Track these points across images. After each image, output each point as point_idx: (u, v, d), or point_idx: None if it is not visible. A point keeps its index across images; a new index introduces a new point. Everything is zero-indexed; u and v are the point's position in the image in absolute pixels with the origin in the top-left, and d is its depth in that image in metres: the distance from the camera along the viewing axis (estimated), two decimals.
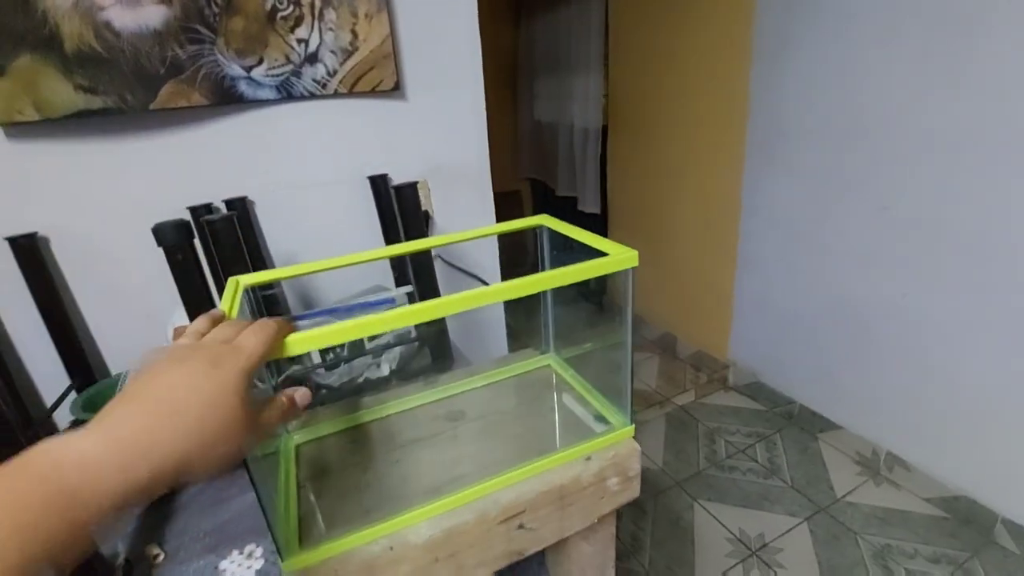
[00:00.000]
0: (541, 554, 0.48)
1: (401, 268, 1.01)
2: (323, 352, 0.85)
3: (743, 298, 1.92)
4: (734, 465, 1.65)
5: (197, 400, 0.29)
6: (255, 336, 0.34)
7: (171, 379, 0.30)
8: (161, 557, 0.61)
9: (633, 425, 0.50)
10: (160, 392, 0.30)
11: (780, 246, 1.72)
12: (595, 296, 2.52)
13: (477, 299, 0.39)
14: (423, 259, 0.91)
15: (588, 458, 0.48)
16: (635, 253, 0.43)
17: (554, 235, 0.60)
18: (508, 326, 1.20)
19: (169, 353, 0.32)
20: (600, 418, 0.53)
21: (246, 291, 0.48)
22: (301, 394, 0.37)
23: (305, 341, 0.35)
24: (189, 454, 0.28)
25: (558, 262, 0.43)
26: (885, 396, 1.52)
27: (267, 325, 0.35)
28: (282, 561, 0.40)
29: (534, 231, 0.61)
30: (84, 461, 0.26)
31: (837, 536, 1.38)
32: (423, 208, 1.01)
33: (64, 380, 0.83)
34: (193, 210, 0.85)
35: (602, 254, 0.44)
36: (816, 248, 1.61)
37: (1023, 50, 1.09)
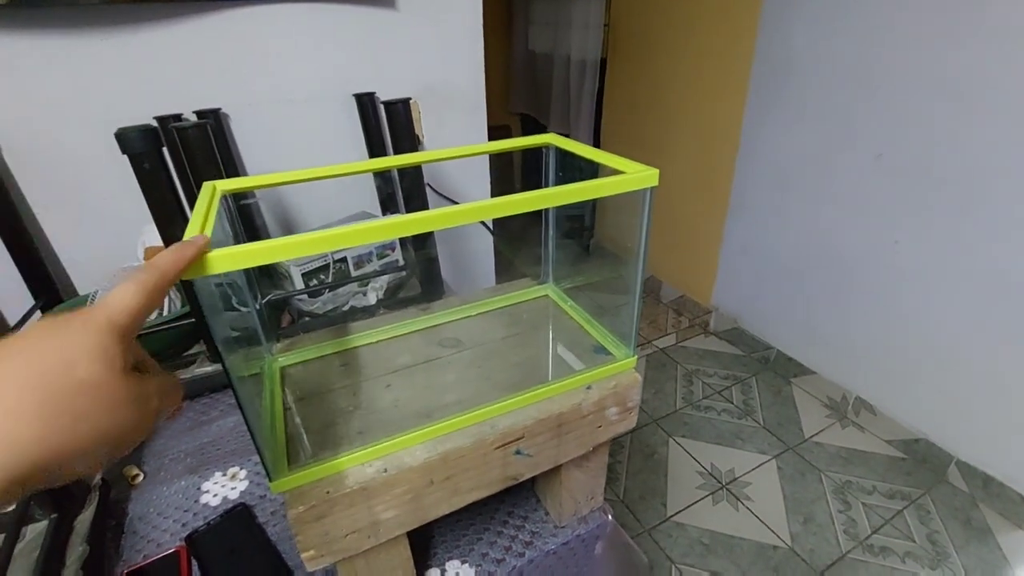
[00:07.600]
0: (531, 479, 0.47)
1: (389, 194, 0.95)
2: (307, 278, 0.81)
3: (731, 243, 1.92)
4: (710, 405, 1.70)
5: (32, 371, 0.21)
6: (129, 283, 0.25)
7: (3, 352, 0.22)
8: (140, 477, 0.60)
9: (636, 356, 0.48)
10: None
11: (773, 191, 1.69)
12: (584, 236, 2.49)
13: (486, 210, 0.36)
14: (414, 185, 0.86)
15: (588, 387, 0.47)
16: (655, 172, 0.40)
17: (558, 161, 0.56)
18: (497, 254, 1.17)
19: None
20: (600, 349, 0.51)
21: (223, 199, 0.43)
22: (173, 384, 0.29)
23: (282, 248, 0.31)
24: (26, 451, 0.20)
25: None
26: (859, 344, 1.56)
27: (151, 266, 0.26)
28: (270, 482, 0.38)
29: (535, 156, 0.57)
30: None
31: (803, 472, 1.45)
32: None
33: (29, 300, 0.78)
34: (161, 120, 0.77)
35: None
36: (810, 194, 1.59)
37: None
